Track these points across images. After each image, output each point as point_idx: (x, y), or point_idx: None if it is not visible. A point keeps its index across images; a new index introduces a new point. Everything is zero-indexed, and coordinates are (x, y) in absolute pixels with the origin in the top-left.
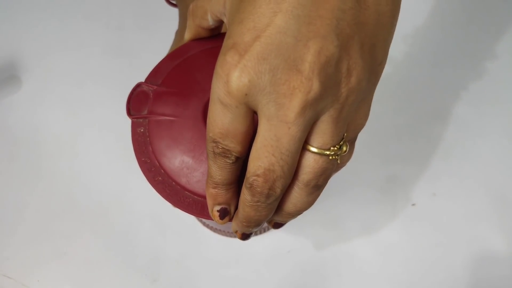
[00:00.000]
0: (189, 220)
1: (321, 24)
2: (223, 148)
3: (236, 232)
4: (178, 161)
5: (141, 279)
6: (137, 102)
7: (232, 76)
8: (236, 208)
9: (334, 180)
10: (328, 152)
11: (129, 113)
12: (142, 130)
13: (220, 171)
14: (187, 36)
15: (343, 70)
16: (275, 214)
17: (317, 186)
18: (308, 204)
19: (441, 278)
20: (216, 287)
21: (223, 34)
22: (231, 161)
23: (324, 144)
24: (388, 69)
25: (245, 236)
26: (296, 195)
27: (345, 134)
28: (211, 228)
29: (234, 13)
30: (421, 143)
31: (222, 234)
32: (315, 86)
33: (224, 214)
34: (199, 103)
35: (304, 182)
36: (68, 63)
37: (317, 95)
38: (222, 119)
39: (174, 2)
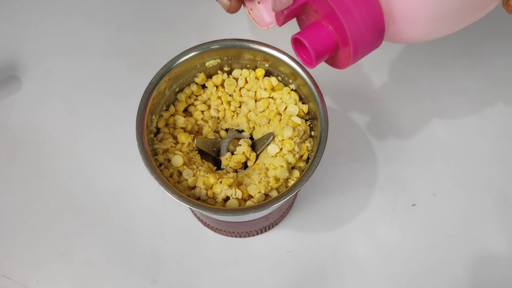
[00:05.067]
0: (189, 220)
1: None
2: None
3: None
4: None
5: (141, 279)
6: None
7: None
8: None
9: (334, 180)
10: None
11: None
12: None
13: None
14: None
15: None
16: None
17: None
18: None
19: (441, 278)
20: (216, 287)
21: None
22: None
23: None
24: (388, 68)
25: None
26: None
27: None
28: (211, 228)
29: None
30: (421, 143)
31: (222, 234)
32: None
33: None
34: None
35: None
36: (68, 64)
37: None
38: None
39: None
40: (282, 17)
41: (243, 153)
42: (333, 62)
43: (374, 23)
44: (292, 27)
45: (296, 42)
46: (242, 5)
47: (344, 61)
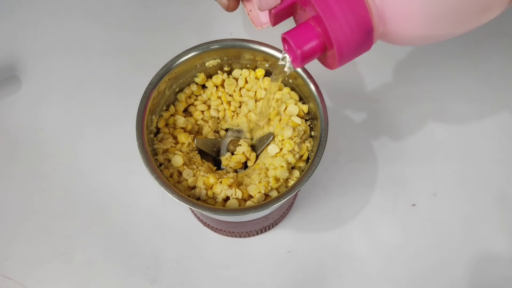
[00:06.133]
0: (189, 220)
1: None
2: None
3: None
4: None
5: (140, 279)
6: None
7: None
8: None
9: (334, 180)
10: None
11: None
12: None
13: None
14: None
15: None
16: None
17: None
18: None
19: (442, 279)
20: (216, 287)
21: None
22: None
23: None
24: (388, 68)
25: None
26: None
27: None
28: (211, 228)
29: None
30: (421, 142)
31: (222, 234)
32: None
33: None
34: None
35: None
36: (68, 64)
37: None
38: None
39: None
40: (272, 17)
41: (243, 153)
42: (324, 62)
43: (359, 23)
44: (291, 27)
45: (286, 40)
46: (242, 4)
47: (332, 62)
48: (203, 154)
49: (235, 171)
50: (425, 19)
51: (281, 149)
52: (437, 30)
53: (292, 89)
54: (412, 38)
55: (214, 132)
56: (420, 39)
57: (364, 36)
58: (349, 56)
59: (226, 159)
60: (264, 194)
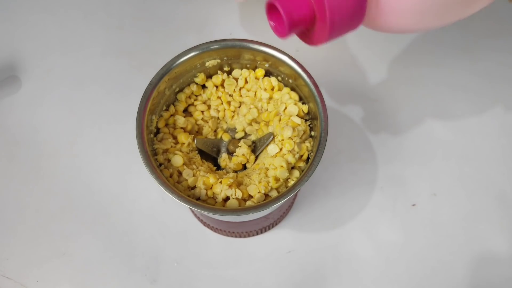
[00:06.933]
0: (189, 220)
1: None
2: None
3: None
4: None
5: (140, 280)
6: None
7: None
8: None
9: (334, 179)
10: None
11: None
12: None
13: None
14: None
15: None
16: None
17: None
18: None
19: (442, 279)
20: (215, 287)
21: None
22: None
23: None
24: (387, 68)
25: None
26: None
27: None
28: (211, 228)
29: None
30: (420, 142)
31: (222, 234)
32: None
33: None
34: None
35: None
36: (67, 64)
37: None
38: None
39: None
40: None
41: (243, 154)
42: (309, 36)
43: None
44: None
45: (271, 9)
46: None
47: (321, 34)
48: (203, 154)
49: (235, 171)
50: (417, 2)
51: (281, 149)
52: (429, 12)
53: (292, 89)
54: (404, 21)
55: (214, 132)
56: (412, 24)
57: (357, 4)
58: (339, 26)
59: (223, 161)
60: (264, 194)
